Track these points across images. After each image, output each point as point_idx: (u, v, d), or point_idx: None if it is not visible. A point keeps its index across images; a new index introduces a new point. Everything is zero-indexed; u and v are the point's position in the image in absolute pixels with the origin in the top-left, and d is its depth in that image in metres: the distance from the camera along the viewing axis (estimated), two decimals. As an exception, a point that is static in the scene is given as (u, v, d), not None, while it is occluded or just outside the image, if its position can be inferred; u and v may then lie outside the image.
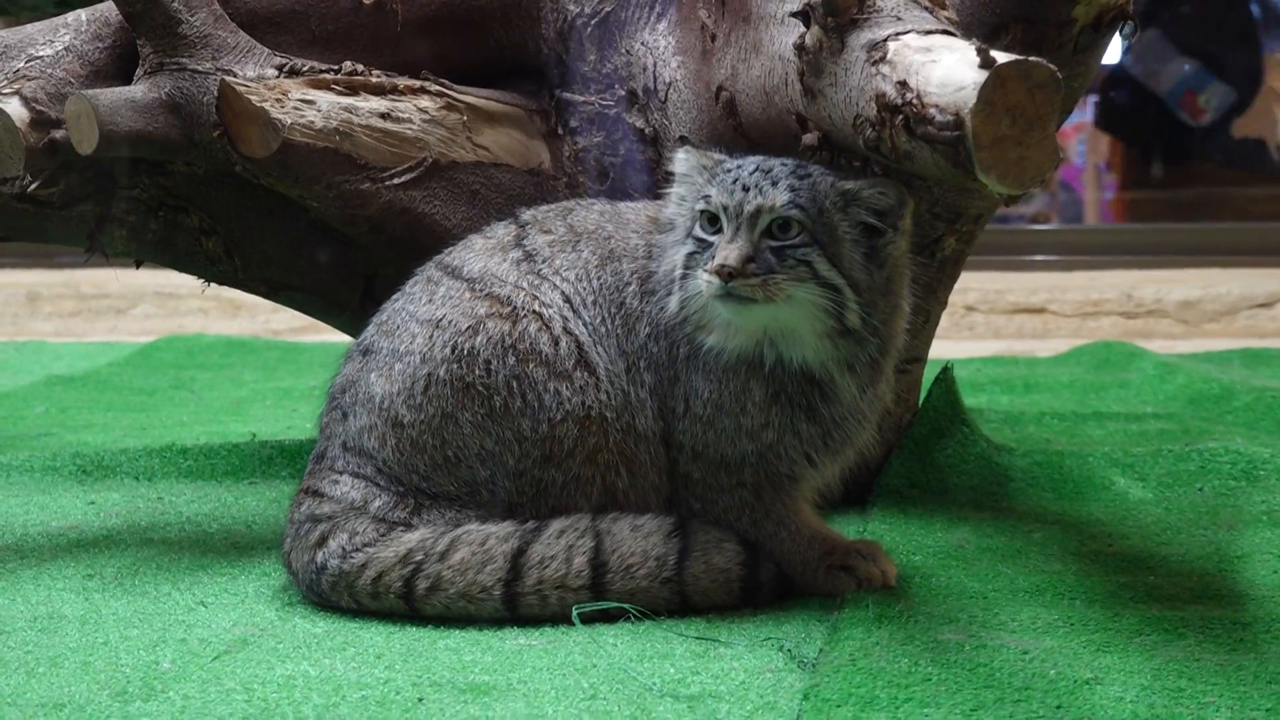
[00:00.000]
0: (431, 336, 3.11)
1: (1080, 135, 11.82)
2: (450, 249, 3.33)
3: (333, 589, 3.10)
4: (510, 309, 3.09)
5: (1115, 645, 2.80)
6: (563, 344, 3.07)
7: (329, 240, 3.93)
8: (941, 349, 6.73)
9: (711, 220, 3.00)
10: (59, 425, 5.45)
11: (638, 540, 3.03)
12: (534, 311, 3.09)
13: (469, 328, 3.08)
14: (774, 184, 2.96)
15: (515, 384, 3.05)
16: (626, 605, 2.98)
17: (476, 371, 3.06)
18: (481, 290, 3.13)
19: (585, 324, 3.11)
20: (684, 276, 3.01)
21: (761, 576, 3.07)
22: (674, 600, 3.02)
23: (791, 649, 2.83)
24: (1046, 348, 7.16)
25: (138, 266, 4.19)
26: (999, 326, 7.74)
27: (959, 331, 7.67)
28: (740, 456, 3.08)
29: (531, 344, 3.07)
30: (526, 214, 3.32)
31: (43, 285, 8.55)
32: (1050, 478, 4.05)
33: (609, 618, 2.99)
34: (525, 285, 3.13)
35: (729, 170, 3.03)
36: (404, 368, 3.12)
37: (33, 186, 3.73)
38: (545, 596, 3.00)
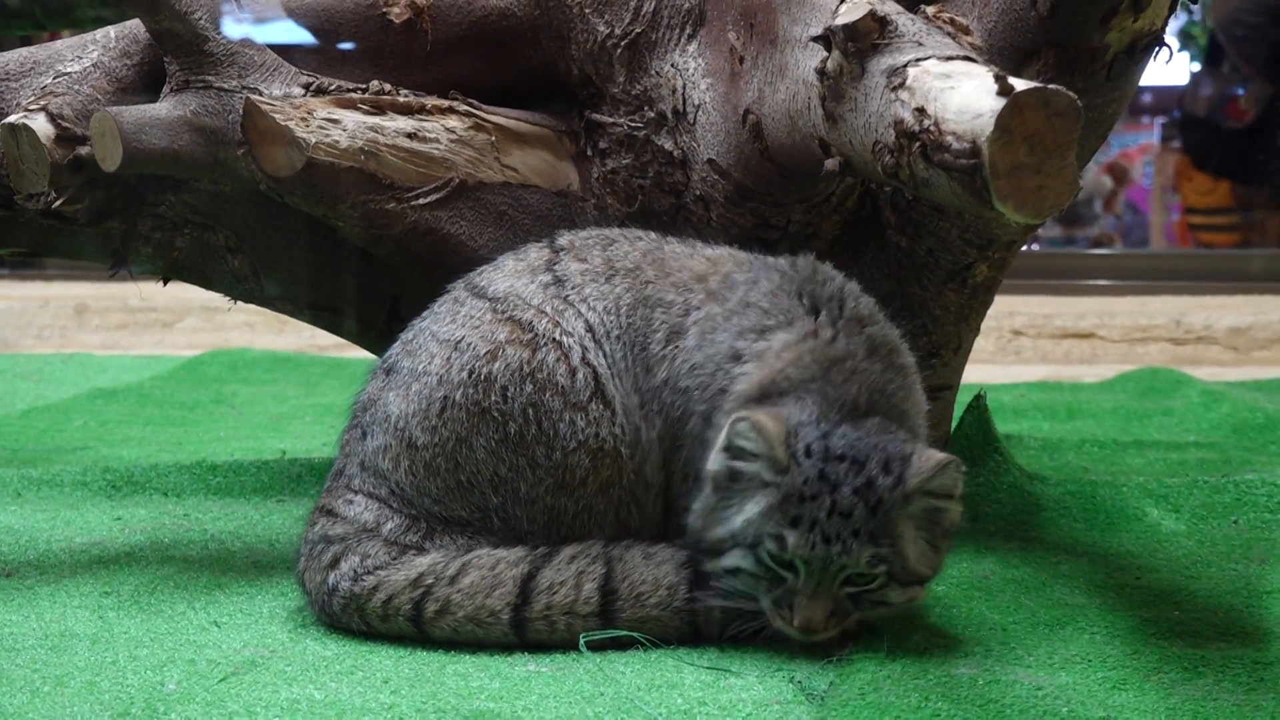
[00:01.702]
0: (449, 359, 3.09)
1: (1146, 156, 11.77)
2: (483, 268, 3.31)
3: (344, 611, 3.09)
4: (531, 335, 3.07)
5: (1132, 682, 2.75)
6: (580, 375, 3.05)
7: (355, 259, 3.92)
8: (988, 373, 6.73)
9: (779, 562, 2.85)
10: (96, 439, 5.47)
11: (650, 568, 3.00)
12: (554, 340, 3.07)
13: (487, 353, 3.07)
14: (855, 535, 2.81)
15: (531, 411, 3.03)
16: (636, 635, 2.95)
17: (493, 397, 3.04)
18: (503, 313, 3.11)
19: (606, 356, 3.08)
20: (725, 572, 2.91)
21: None
22: (685, 630, 2.98)
23: (802, 681, 2.79)
24: (1093, 373, 7.10)
25: (164, 284, 4.19)
26: (1046, 351, 7.68)
27: (1005, 356, 7.62)
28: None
29: (549, 374, 3.04)
30: (564, 238, 3.30)
31: (91, 298, 8.60)
32: (1083, 508, 4.00)
33: (620, 645, 2.96)
34: (549, 310, 3.10)
35: (805, 500, 2.83)
36: (420, 389, 3.11)
37: (58, 202, 3.73)
38: (554, 622, 2.97)
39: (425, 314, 3.28)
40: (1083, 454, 4.87)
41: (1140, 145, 11.93)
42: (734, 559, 2.88)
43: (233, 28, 3.73)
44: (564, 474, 3.04)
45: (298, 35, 3.89)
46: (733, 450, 2.87)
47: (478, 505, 3.08)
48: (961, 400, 4.10)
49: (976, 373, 4.16)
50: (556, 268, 3.19)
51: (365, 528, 3.13)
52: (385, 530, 3.11)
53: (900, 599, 2.89)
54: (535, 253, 3.27)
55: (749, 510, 2.86)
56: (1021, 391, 6.31)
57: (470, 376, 3.06)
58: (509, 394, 3.04)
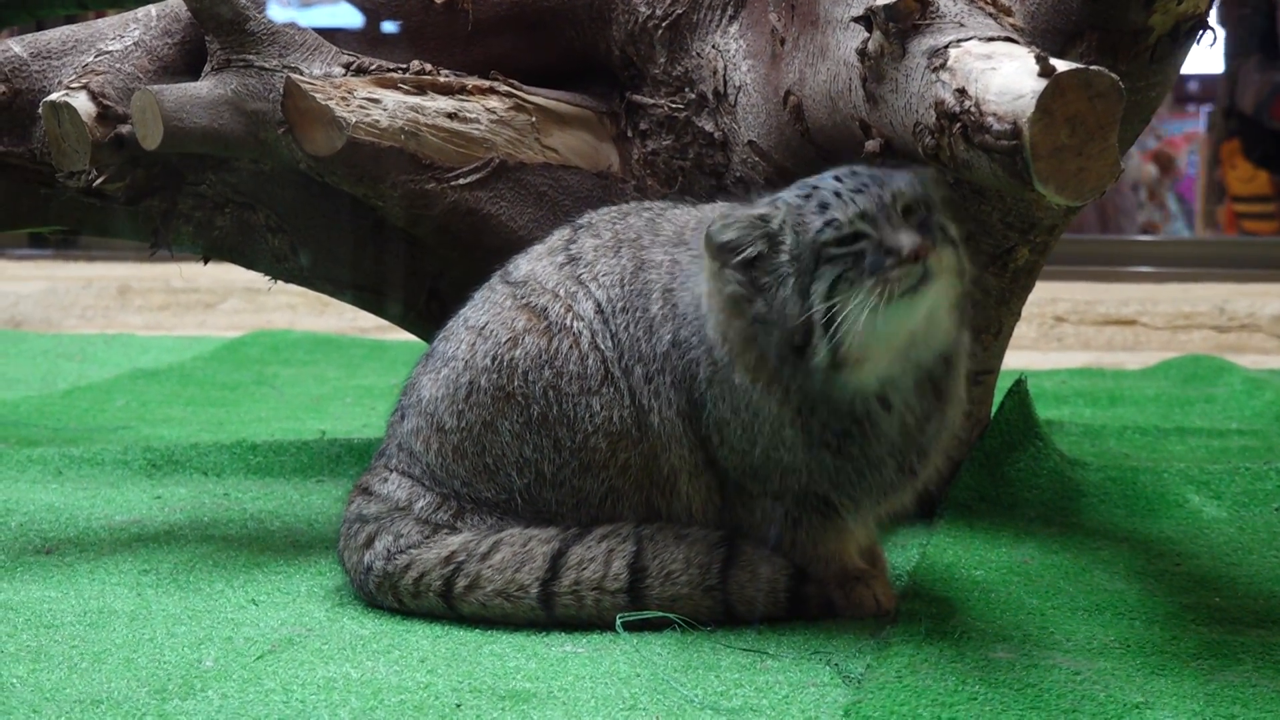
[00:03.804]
0: (474, 344, 3.11)
1: (1191, 145, 11.73)
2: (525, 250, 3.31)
3: (378, 589, 3.11)
4: (545, 323, 3.07)
5: (1170, 669, 2.73)
6: (590, 360, 3.03)
7: (395, 240, 3.93)
8: (1030, 359, 6.71)
9: (845, 242, 2.80)
10: (137, 419, 5.48)
11: (681, 548, 2.99)
12: (565, 326, 3.06)
13: (508, 340, 3.07)
14: (875, 179, 2.84)
15: (551, 393, 3.02)
16: (672, 616, 2.95)
17: (515, 382, 3.04)
18: (522, 299, 3.11)
19: (613, 334, 3.06)
20: (831, 319, 2.78)
21: (809, 589, 3.02)
22: (717, 609, 2.97)
23: (839, 664, 2.78)
24: (1136, 360, 7.07)
25: (205, 263, 4.20)
26: (1089, 338, 7.65)
27: (1048, 343, 7.59)
28: (781, 488, 3.01)
29: (564, 361, 3.04)
30: (586, 216, 3.28)
31: (134, 278, 8.63)
32: (1123, 494, 3.98)
33: (656, 626, 2.95)
34: (563, 293, 3.09)
35: (813, 198, 2.85)
36: (449, 373, 3.12)
37: (99, 181, 3.73)
38: (582, 598, 2.98)
39: (469, 299, 3.29)
40: (1124, 440, 4.85)
41: (1185, 133, 11.89)
42: (819, 296, 2.79)
43: (274, 7, 3.73)
44: (586, 456, 3.03)
45: (339, 15, 3.89)
46: (721, 258, 2.87)
47: (504, 486, 3.08)
48: (1002, 385, 4.08)
49: (1018, 359, 4.14)
50: (573, 247, 3.18)
51: (398, 506, 3.15)
52: (417, 508, 3.13)
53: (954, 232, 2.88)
54: (558, 233, 3.27)
55: (787, 288, 2.84)
56: (1063, 378, 6.28)
57: (494, 363, 3.07)
58: (530, 378, 3.04)
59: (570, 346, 3.04)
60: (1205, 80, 11.62)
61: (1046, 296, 7.57)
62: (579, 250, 3.17)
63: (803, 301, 2.81)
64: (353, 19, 3.92)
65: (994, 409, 4.08)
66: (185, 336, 7.92)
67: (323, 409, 5.78)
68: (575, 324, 3.06)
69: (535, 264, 3.18)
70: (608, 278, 3.11)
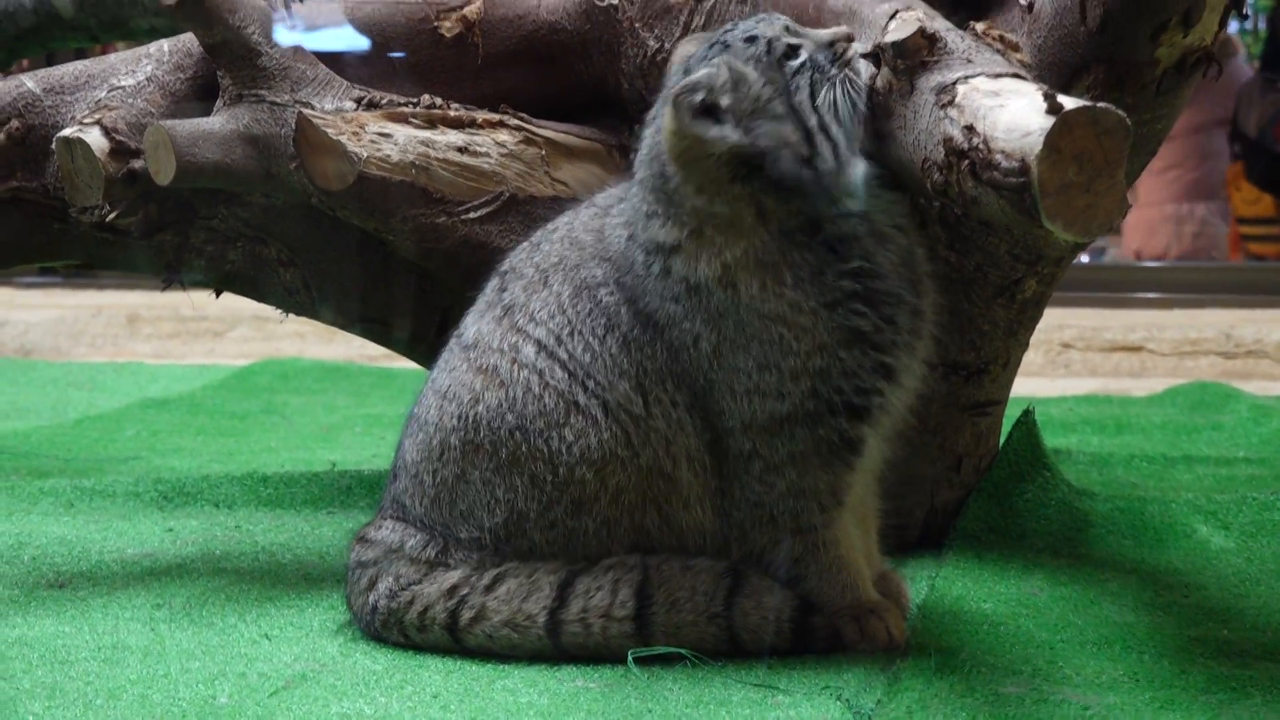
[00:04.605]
0: (442, 407, 3.16)
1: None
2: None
3: (384, 627, 3.13)
4: (499, 379, 3.10)
5: (1179, 703, 2.74)
6: (546, 398, 3.05)
7: (405, 273, 3.94)
8: (1037, 386, 6.72)
9: (792, 53, 3.00)
10: (147, 449, 5.50)
11: (687, 577, 3.01)
12: (515, 378, 3.09)
13: (470, 399, 3.11)
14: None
15: (518, 434, 3.05)
16: (685, 651, 2.95)
17: (482, 433, 3.08)
18: (475, 363, 3.15)
19: (565, 363, 3.07)
20: (821, 120, 2.97)
21: (816, 621, 3.03)
22: (722, 638, 2.98)
23: (849, 699, 2.79)
24: (1143, 387, 7.07)
25: (217, 295, 4.21)
26: (1095, 364, 7.66)
27: (1055, 369, 7.60)
28: (792, 406, 3.00)
29: (523, 404, 3.06)
30: (505, 263, 3.31)
31: (143, 307, 8.65)
32: (1131, 524, 3.99)
33: (666, 661, 2.96)
34: (506, 347, 3.12)
35: (733, 39, 3.03)
36: (424, 437, 3.19)
37: (112, 216, 3.76)
38: (589, 625, 2.99)
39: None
40: (1132, 469, 4.86)
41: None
42: (805, 104, 2.97)
43: (286, 39, 3.75)
44: (576, 491, 3.04)
45: (350, 50, 3.91)
46: (700, 120, 2.94)
47: (478, 526, 3.11)
48: (1010, 415, 4.09)
49: (1026, 385, 4.16)
50: (505, 296, 3.21)
51: (391, 548, 3.19)
52: (407, 547, 3.17)
53: None
54: (489, 285, 3.30)
55: (776, 109, 2.97)
56: (1070, 405, 6.29)
57: (460, 421, 3.12)
58: (494, 425, 3.08)
59: (525, 392, 3.07)
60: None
61: (1054, 323, 7.57)
62: (510, 298, 3.19)
63: (795, 116, 2.95)
64: (362, 51, 3.94)
65: (1002, 439, 4.09)
66: (194, 365, 7.94)
67: (332, 438, 5.79)
68: (522, 373, 3.08)
69: (479, 323, 3.22)
70: (544, 312, 3.13)
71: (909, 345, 3.06)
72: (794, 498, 3.04)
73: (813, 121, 2.95)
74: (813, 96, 2.95)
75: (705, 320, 2.99)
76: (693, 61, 3.06)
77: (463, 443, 3.10)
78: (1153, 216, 10.74)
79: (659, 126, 3.03)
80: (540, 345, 3.10)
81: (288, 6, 3.85)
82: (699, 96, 2.92)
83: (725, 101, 2.93)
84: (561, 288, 3.14)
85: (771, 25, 3.03)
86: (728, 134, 2.93)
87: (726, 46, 3.02)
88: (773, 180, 2.95)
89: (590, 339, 3.08)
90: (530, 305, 3.15)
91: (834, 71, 2.98)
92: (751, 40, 3.00)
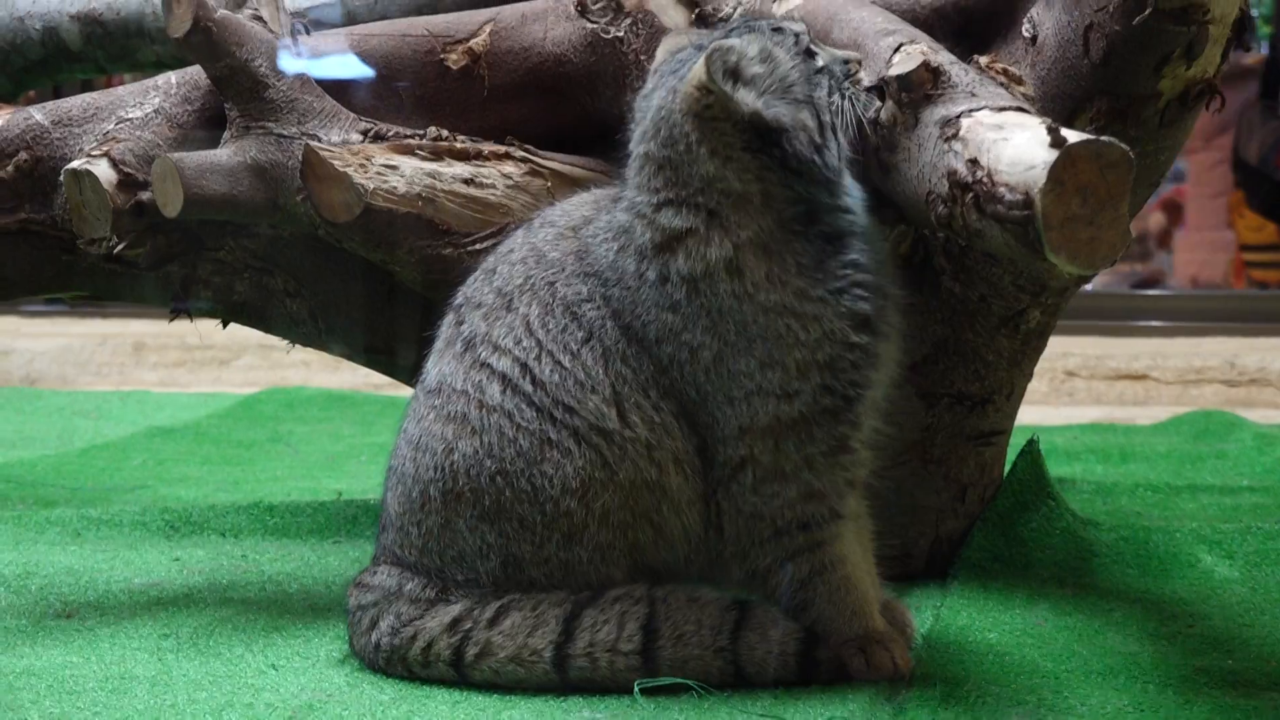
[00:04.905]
0: (417, 459, 3.16)
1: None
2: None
3: (388, 663, 3.14)
4: (469, 426, 3.09)
5: (1184, 733, 2.76)
6: (521, 439, 3.04)
7: (410, 303, 3.95)
8: (1041, 415, 6.73)
9: (810, 55, 3.07)
10: (154, 478, 5.51)
11: (694, 610, 3.01)
12: (485, 423, 3.08)
13: (444, 449, 3.11)
14: None
15: (500, 479, 3.05)
16: (691, 682, 2.96)
17: (461, 481, 3.08)
18: (443, 409, 3.14)
19: (529, 398, 3.07)
20: (832, 119, 3.04)
21: (819, 654, 3.03)
22: (728, 670, 2.98)
23: (855, 729, 2.80)
24: (1147, 415, 7.08)
25: (224, 326, 4.23)
26: (1100, 393, 7.67)
27: (1059, 398, 7.61)
28: (803, 405, 3.00)
29: (499, 447, 3.06)
30: (456, 296, 3.30)
31: (149, 335, 8.66)
32: (1136, 554, 4.00)
33: (672, 691, 2.96)
34: (470, 388, 3.11)
35: (758, 30, 3.08)
36: (404, 489, 3.19)
37: (119, 247, 3.77)
38: (596, 659, 2.98)
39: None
40: (1136, 498, 4.87)
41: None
42: (823, 101, 3.03)
43: (292, 70, 3.77)
44: (565, 524, 3.04)
45: (357, 82, 3.93)
46: (732, 82, 2.98)
47: (471, 570, 3.11)
48: (1015, 443, 4.10)
49: (1030, 414, 4.17)
50: (463, 329, 3.20)
51: (390, 591, 3.19)
52: (406, 589, 3.17)
53: None
54: (445, 321, 3.29)
55: (801, 91, 3.03)
56: (1075, 434, 6.31)
57: (437, 472, 3.11)
58: (472, 473, 3.07)
59: (499, 436, 3.06)
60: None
61: (1058, 351, 7.58)
62: (470, 330, 3.19)
63: (812, 107, 3.01)
64: (369, 83, 3.96)
65: (1006, 468, 4.10)
66: (200, 393, 7.95)
67: (338, 467, 5.81)
68: (491, 418, 3.08)
69: (440, 364, 3.21)
70: (509, 338, 3.12)
71: (888, 336, 3.07)
72: (802, 502, 3.03)
73: (826, 118, 3.00)
74: (829, 97, 3.01)
75: (706, 324, 2.99)
76: (708, 40, 3.08)
77: (443, 493, 3.10)
78: (1211, 242, 10.76)
79: (670, 90, 3.04)
80: (506, 380, 3.09)
81: (294, 36, 3.87)
82: (733, 59, 2.95)
83: (755, 70, 2.97)
84: (529, 309, 3.13)
85: (796, 25, 3.10)
86: (752, 100, 2.96)
87: (752, 30, 3.06)
88: (783, 159, 2.98)
89: (561, 356, 3.07)
90: (493, 333, 3.14)
91: (846, 85, 3.03)
92: (779, 31, 3.06)
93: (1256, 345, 7.96)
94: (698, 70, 2.96)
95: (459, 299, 3.28)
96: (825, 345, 2.97)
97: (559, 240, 3.21)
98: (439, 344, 3.26)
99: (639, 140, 3.12)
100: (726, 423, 3.01)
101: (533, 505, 3.04)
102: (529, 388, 3.07)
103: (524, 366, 3.08)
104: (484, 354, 3.12)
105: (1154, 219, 11.40)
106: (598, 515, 3.03)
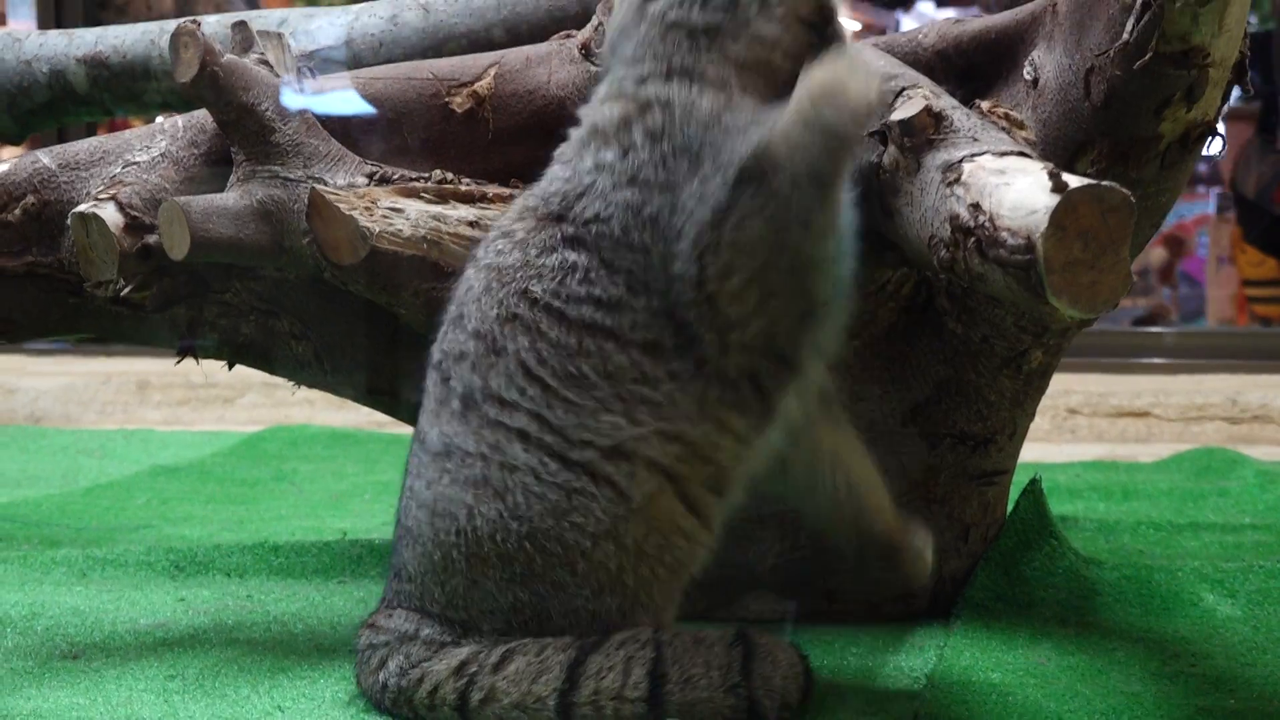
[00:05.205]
0: (434, 524, 3.08)
1: (1202, 228, 11.74)
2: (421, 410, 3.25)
3: (394, 705, 3.12)
4: (490, 490, 3.01)
5: (1187, 773, 2.77)
6: (550, 493, 2.98)
7: (414, 344, 3.97)
8: (1044, 452, 6.73)
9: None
10: (159, 517, 5.52)
11: (700, 651, 2.98)
12: (510, 485, 3.00)
13: (466, 514, 3.03)
14: None
15: (529, 543, 2.99)
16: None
17: (486, 546, 3.01)
18: (457, 474, 3.05)
19: (550, 449, 2.99)
20: None
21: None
22: (741, 707, 2.95)
23: (859, 770, 2.81)
24: (1149, 452, 7.09)
25: (230, 368, 4.25)
26: (1102, 430, 7.67)
27: (1061, 435, 7.61)
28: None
29: (527, 509, 2.99)
30: (434, 353, 3.22)
31: (153, 373, 8.67)
32: (1138, 593, 4.01)
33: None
34: (488, 450, 3.02)
35: None
36: (424, 551, 3.11)
37: (126, 290, 3.80)
38: (601, 708, 2.96)
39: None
40: (1139, 536, 4.88)
41: (1196, 216, 11.91)
42: None
43: (297, 114, 3.79)
44: (600, 577, 3.00)
45: (363, 124, 3.95)
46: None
47: (503, 620, 3.08)
48: (1018, 480, 4.11)
49: (1032, 451, 4.18)
50: (454, 385, 3.11)
51: (405, 635, 3.15)
52: (423, 634, 3.14)
53: None
54: (428, 381, 3.20)
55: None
56: (1077, 471, 6.31)
57: (459, 537, 3.04)
58: (498, 538, 3.01)
59: (523, 494, 3.00)
60: (1214, 162, 11.63)
61: (1060, 388, 7.57)
62: (464, 387, 3.09)
63: None
64: (374, 125, 3.98)
65: (1009, 507, 4.11)
66: (205, 431, 7.96)
67: (342, 506, 5.82)
68: (515, 477, 3.01)
69: (439, 425, 3.12)
70: (513, 391, 3.04)
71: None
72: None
73: None
74: None
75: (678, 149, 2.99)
76: None
77: (467, 557, 3.04)
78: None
79: None
80: (525, 436, 3.01)
81: (300, 79, 3.89)
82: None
83: None
84: (517, 343, 3.04)
85: None
86: None
87: None
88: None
89: (568, 391, 3.00)
90: (491, 385, 3.05)
91: None
92: None
93: (1259, 382, 7.97)
94: None
95: (436, 356, 3.18)
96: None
97: (502, 250, 3.15)
98: (429, 404, 3.16)
99: (659, 16, 3.10)
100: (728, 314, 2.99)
101: (564, 566, 2.99)
102: (550, 438, 3.00)
103: (540, 419, 3.01)
104: (492, 412, 3.04)
105: (1155, 254, 11.41)
106: (634, 548, 2.99)
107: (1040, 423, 7.29)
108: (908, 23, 12.98)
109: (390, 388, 4.14)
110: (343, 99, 3.96)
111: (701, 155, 2.96)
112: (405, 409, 4.19)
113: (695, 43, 3.04)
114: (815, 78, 2.84)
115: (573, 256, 3.04)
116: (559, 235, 3.07)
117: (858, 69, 2.84)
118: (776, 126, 2.88)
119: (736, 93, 3.00)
